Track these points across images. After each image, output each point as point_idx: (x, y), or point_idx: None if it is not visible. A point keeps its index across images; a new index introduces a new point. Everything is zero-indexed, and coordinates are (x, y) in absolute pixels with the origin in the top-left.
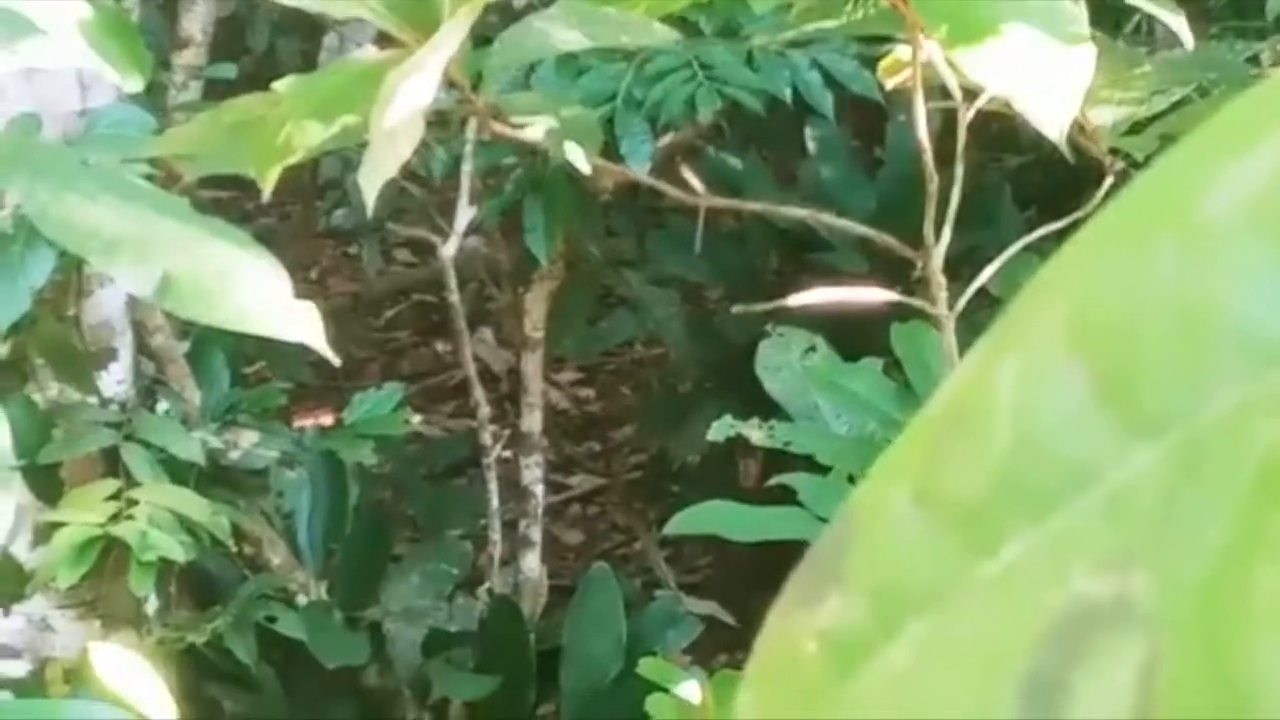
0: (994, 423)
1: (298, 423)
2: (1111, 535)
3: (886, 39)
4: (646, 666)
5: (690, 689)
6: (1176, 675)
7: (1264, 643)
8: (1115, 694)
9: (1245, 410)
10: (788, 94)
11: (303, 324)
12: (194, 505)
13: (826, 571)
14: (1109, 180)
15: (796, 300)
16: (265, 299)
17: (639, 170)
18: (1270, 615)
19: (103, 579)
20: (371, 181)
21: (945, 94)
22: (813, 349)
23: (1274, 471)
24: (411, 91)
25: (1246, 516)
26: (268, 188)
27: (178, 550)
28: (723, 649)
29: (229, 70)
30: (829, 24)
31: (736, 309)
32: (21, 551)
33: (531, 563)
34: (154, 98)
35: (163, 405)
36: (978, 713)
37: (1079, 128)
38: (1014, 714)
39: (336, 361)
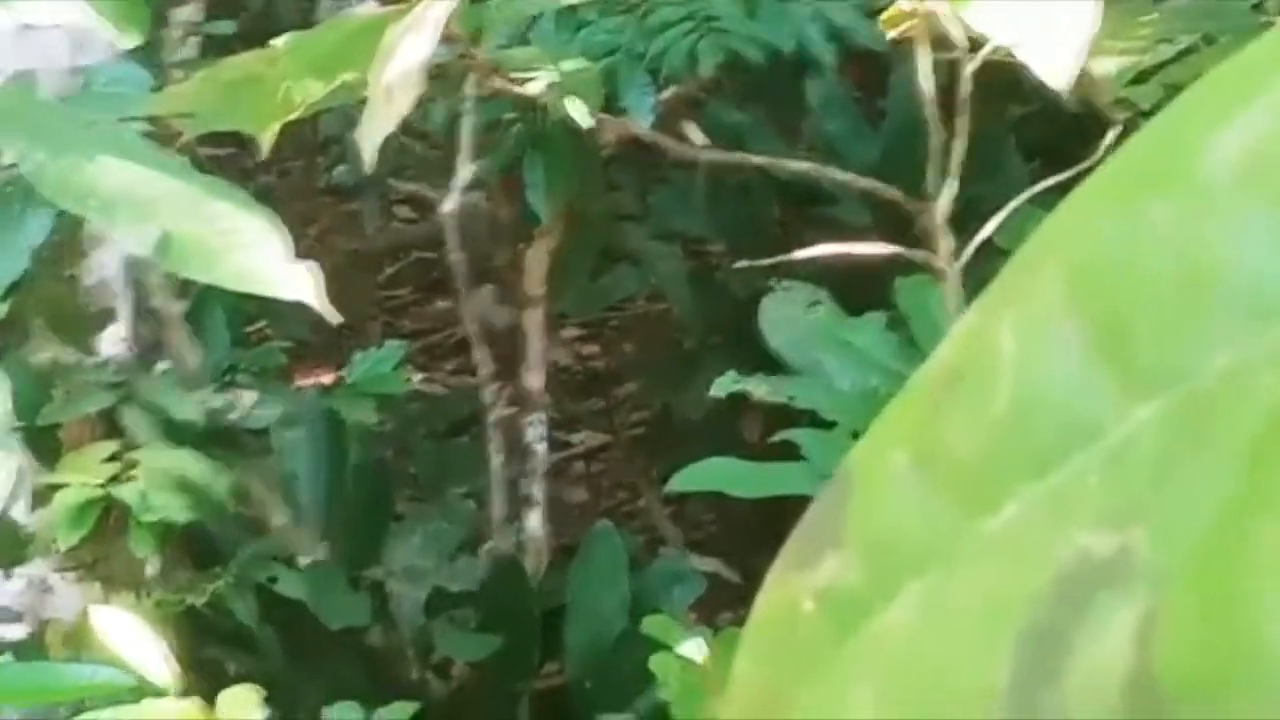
0: (993, 381)
1: (298, 382)
2: (1111, 492)
3: None
4: (651, 624)
5: (694, 647)
6: (1175, 630)
7: (1264, 597)
8: (1114, 649)
9: (1245, 367)
10: (790, 45)
11: (303, 283)
12: (194, 466)
13: (824, 532)
14: (1114, 131)
15: (799, 254)
16: (265, 258)
17: (641, 125)
18: (1271, 570)
19: (103, 541)
20: (370, 138)
21: (948, 45)
22: (817, 303)
23: (1273, 423)
24: (410, 47)
25: (1247, 472)
26: (266, 145)
27: (178, 511)
28: (727, 606)
29: (227, 26)
30: None
31: (739, 264)
32: (21, 514)
33: (534, 521)
34: (151, 55)
35: (162, 366)
36: (976, 670)
37: (1083, 78)
38: (1013, 670)
39: (337, 319)
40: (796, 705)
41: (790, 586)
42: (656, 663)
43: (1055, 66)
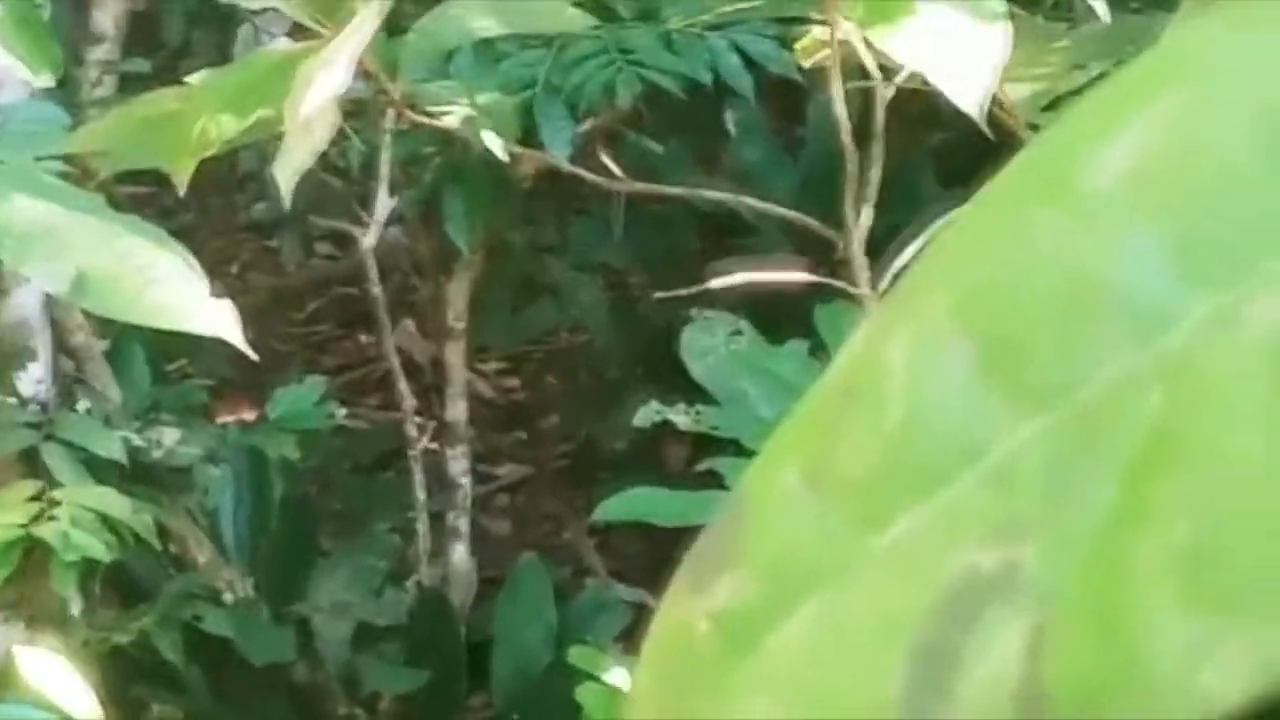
0: (883, 400)
1: (220, 419)
2: (1000, 507)
3: (804, 19)
4: (577, 655)
5: (620, 676)
6: (1062, 644)
7: (1144, 611)
8: (1004, 663)
9: (1129, 381)
10: (707, 77)
11: (219, 319)
12: (117, 504)
13: (720, 553)
14: None
15: (719, 283)
16: (181, 295)
17: (559, 157)
18: (1154, 583)
19: (26, 581)
20: (287, 173)
21: (865, 73)
22: (738, 332)
23: (1158, 441)
24: (325, 82)
25: (1131, 485)
26: (183, 182)
27: (100, 550)
28: None
29: (143, 64)
30: (747, 5)
31: (659, 295)
32: None
33: (460, 554)
34: (67, 94)
35: (83, 404)
36: (869, 685)
37: (998, 104)
38: (905, 684)
39: (255, 357)
40: None
41: (687, 607)
42: (583, 693)
43: (969, 92)
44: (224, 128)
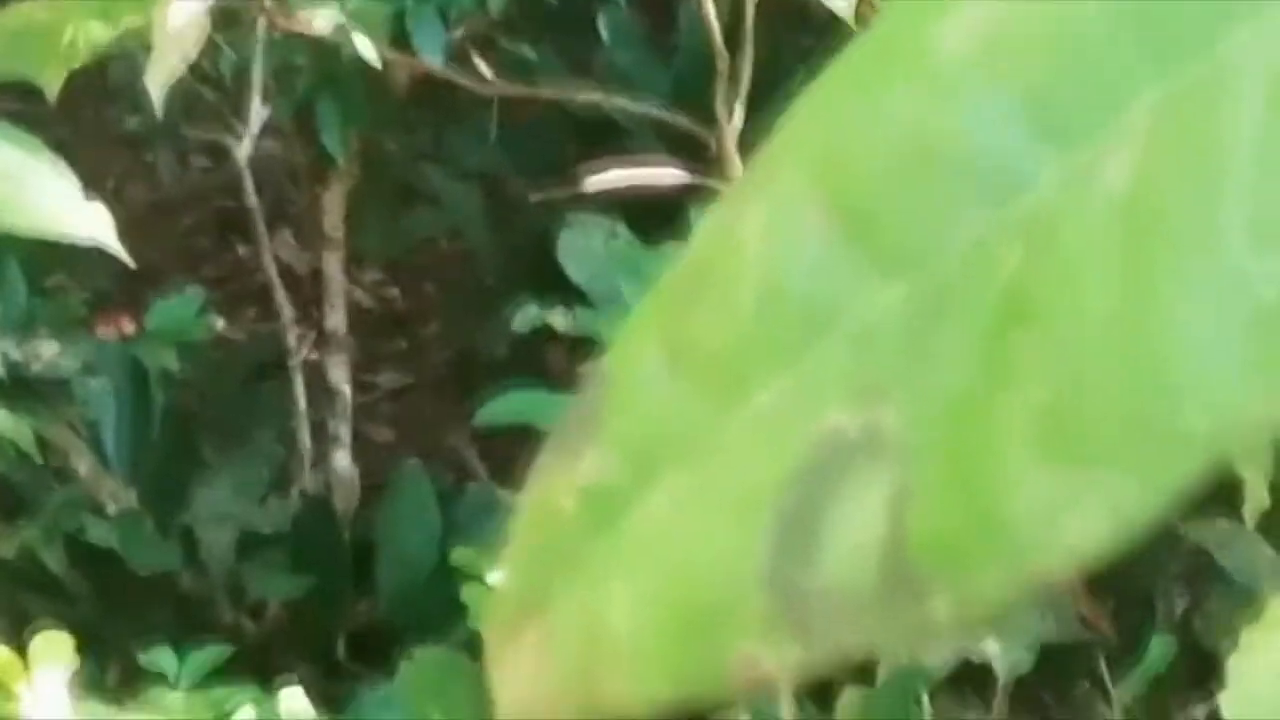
0: (740, 271)
1: (99, 332)
2: (860, 373)
3: None
4: (460, 557)
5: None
6: (925, 503)
7: (1005, 468)
8: (868, 525)
9: (986, 242)
10: None
11: (95, 224)
12: None
13: (583, 430)
14: None
15: (592, 183)
16: (53, 200)
17: (433, 62)
18: (1013, 440)
19: None
20: (158, 83)
21: None
22: (615, 235)
23: (1015, 300)
24: None
25: (990, 342)
26: (54, 92)
27: None
28: None
29: None
30: None
31: (534, 196)
32: None
33: (342, 462)
34: None
35: None
36: (734, 555)
37: (869, 3)
38: (770, 553)
39: (132, 263)
40: (558, 604)
41: (550, 485)
42: (468, 594)
43: None
44: (93, 36)
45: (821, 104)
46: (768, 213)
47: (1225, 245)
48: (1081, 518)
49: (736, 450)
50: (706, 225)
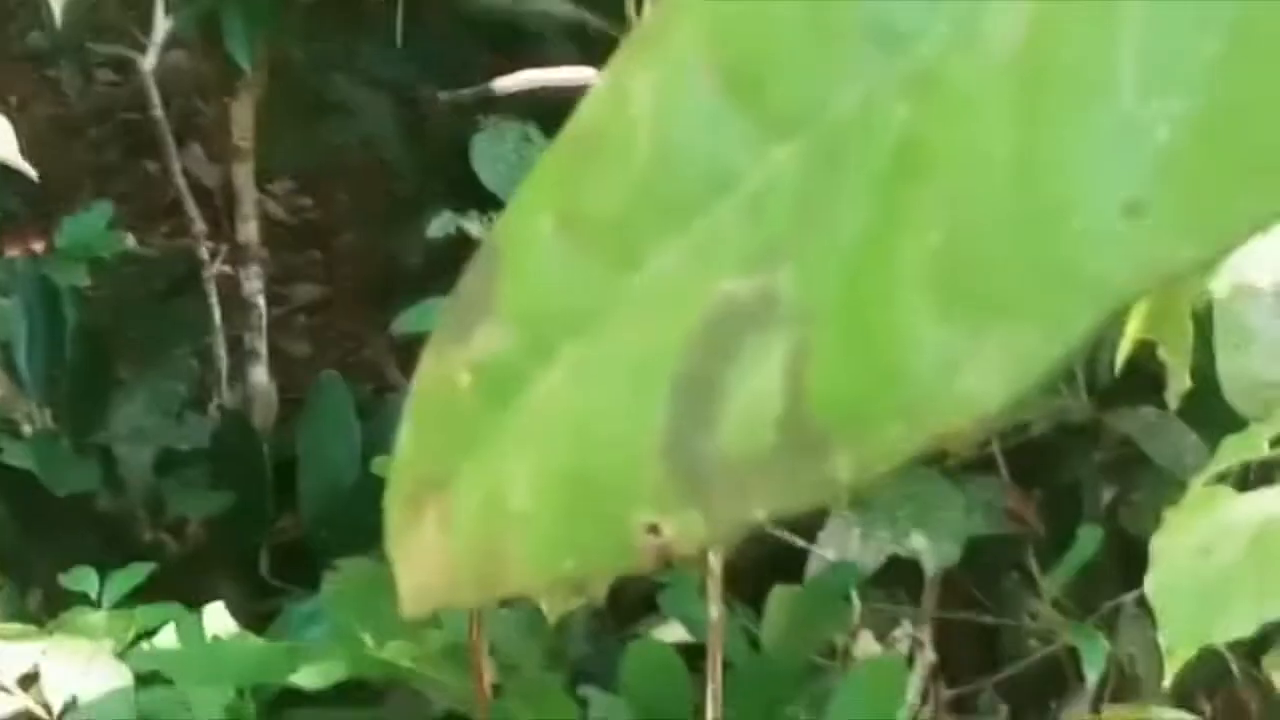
0: (631, 137)
1: (8, 251)
2: (753, 235)
3: None
4: (380, 466)
5: None
6: (823, 362)
7: (903, 321)
8: (766, 388)
9: (876, 96)
10: None
11: None
12: None
13: (476, 304)
14: None
15: (503, 84)
16: None
17: None
18: (910, 293)
19: None
20: None
21: None
22: (527, 139)
23: (907, 152)
24: None
25: (883, 196)
26: None
27: None
28: None
29: None
30: None
31: (444, 96)
32: None
33: (259, 376)
34: None
35: None
36: (632, 424)
37: None
38: (668, 420)
39: (35, 176)
40: (457, 481)
41: (446, 361)
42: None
43: None
44: None
45: None
46: (657, 74)
47: (1119, 88)
48: (981, 370)
49: (631, 319)
50: (596, 89)
